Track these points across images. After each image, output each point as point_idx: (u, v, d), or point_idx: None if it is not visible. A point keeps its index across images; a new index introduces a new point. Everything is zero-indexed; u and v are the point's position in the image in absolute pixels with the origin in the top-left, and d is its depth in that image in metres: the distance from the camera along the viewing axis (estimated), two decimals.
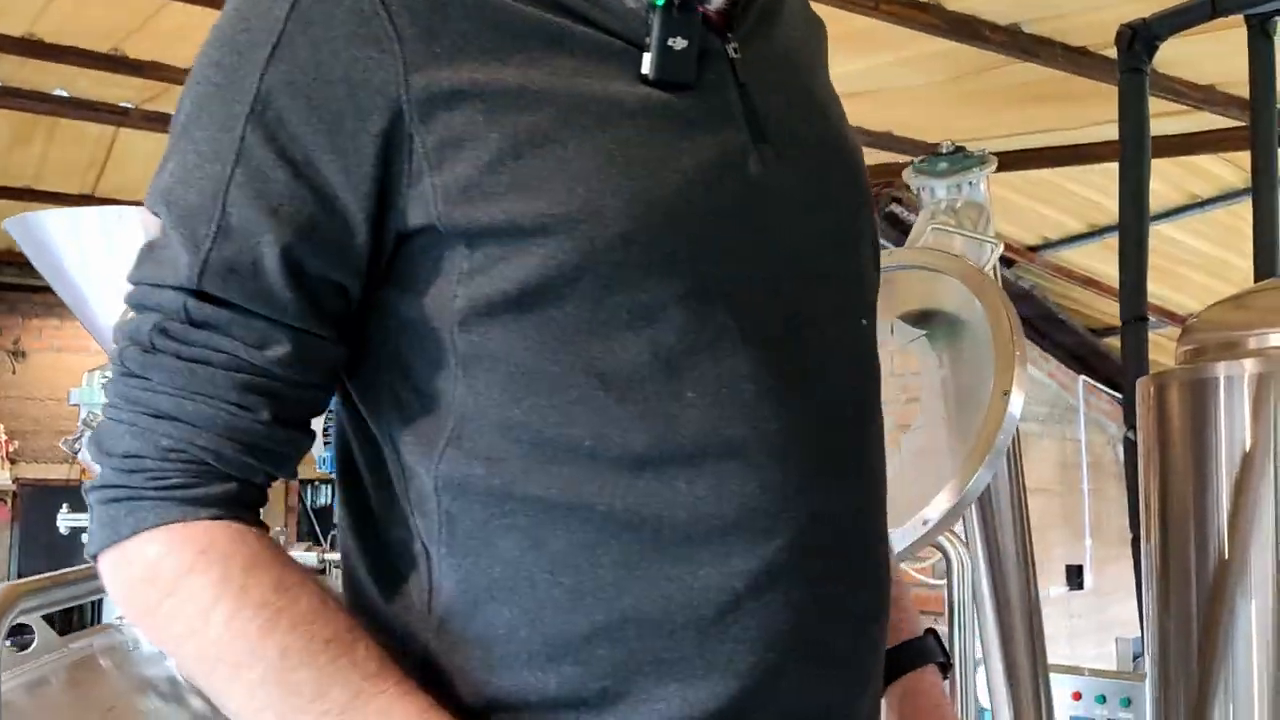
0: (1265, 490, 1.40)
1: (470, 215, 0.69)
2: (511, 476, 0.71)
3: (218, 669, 0.69)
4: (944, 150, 1.36)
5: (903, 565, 4.83)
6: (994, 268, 1.41)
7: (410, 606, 0.74)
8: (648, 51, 0.72)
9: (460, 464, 0.71)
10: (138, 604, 0.71)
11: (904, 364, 1.30)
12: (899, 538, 1.13)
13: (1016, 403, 1.14)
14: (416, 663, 0.73)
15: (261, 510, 0.75)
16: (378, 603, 0.76)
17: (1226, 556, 1.45)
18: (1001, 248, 1.34)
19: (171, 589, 0.68)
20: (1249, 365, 1.44)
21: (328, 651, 0.68)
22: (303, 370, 0.71)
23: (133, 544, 0.69)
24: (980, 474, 1.11)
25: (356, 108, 0.68)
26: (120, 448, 0.70)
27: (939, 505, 1.10)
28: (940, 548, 1.52)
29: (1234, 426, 1.46)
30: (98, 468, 0.72)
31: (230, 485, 0.70)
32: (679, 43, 0.72)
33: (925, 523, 1.07)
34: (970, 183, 1.34)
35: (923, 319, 1.27)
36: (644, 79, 0.72)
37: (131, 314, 0.72)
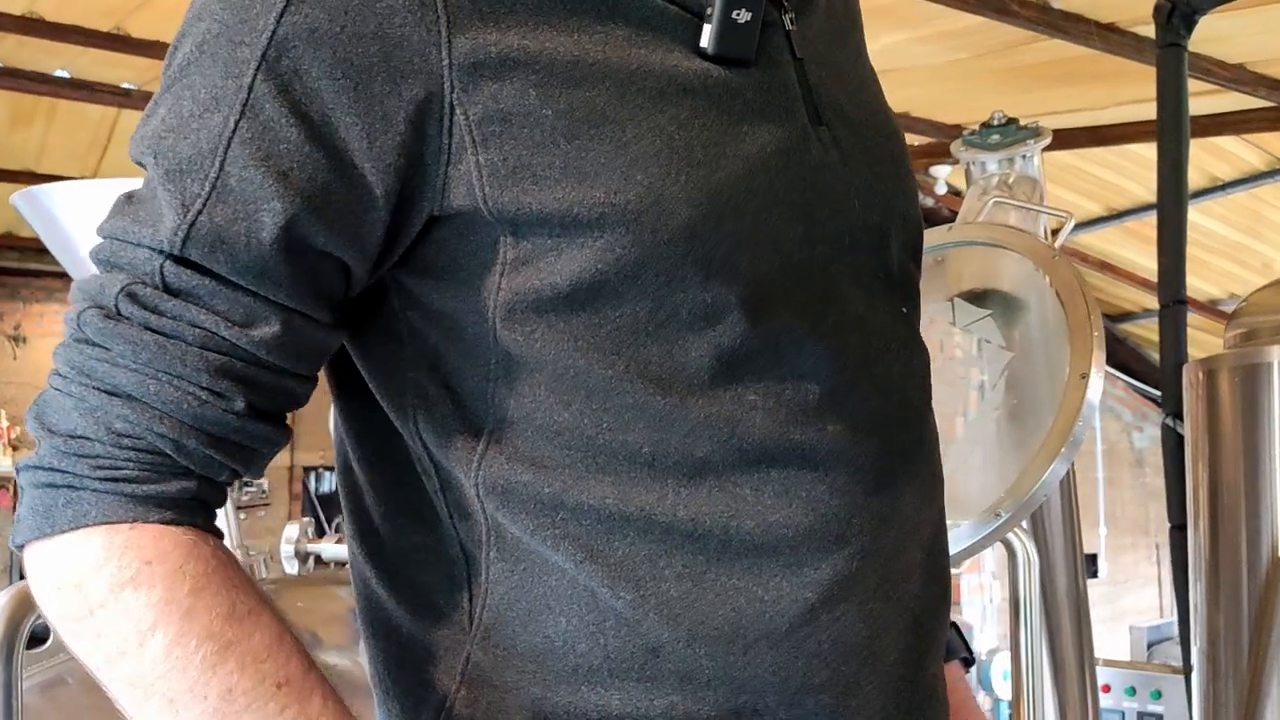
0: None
1: (519, 200, 0.62)
2: (562, 484, 0.65)
3: (150, 701, 0.59)
4: (995, 122, 1.30)
5: None
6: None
7: (446, 616, 0.68)
8: (708, 23, 0.65)
9: (503, 469, 0.65)
10: (62, 609, 0.61)
11: (957, 347, 1.24)
12: (967, 533, 1.07)
13: (1096, 387, 1.08)
14: (457, 677, 0.67)
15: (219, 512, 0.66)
16: (398, 612, 0.70)
17: (1279, 550, 1.40)
18: (1073, 221, 1.27)
19: (104, 600, 0.59)
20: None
21: (278, 699, 0.60)
22: (289, 356, 0.63)
23: (68, 540, 0.60)
24: (1056, 465, 1.05)
25: (390, 68, 0.60)
26: (65, 425, 0.60)
27: (1016, 498, 1.03)
28: (1006, 542, 1.46)
29: None
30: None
31: (189, 483, 0.61)
32: (743, 15, 0.65)
33: (998, 516, 1.01)
34: (1024, 156, 1.28)
35: (978, 299, 1.20)
36: (701, 53, 0.65)
37: (97, 272, 0.63)
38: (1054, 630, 1.55)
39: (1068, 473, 1.55)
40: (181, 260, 0.60)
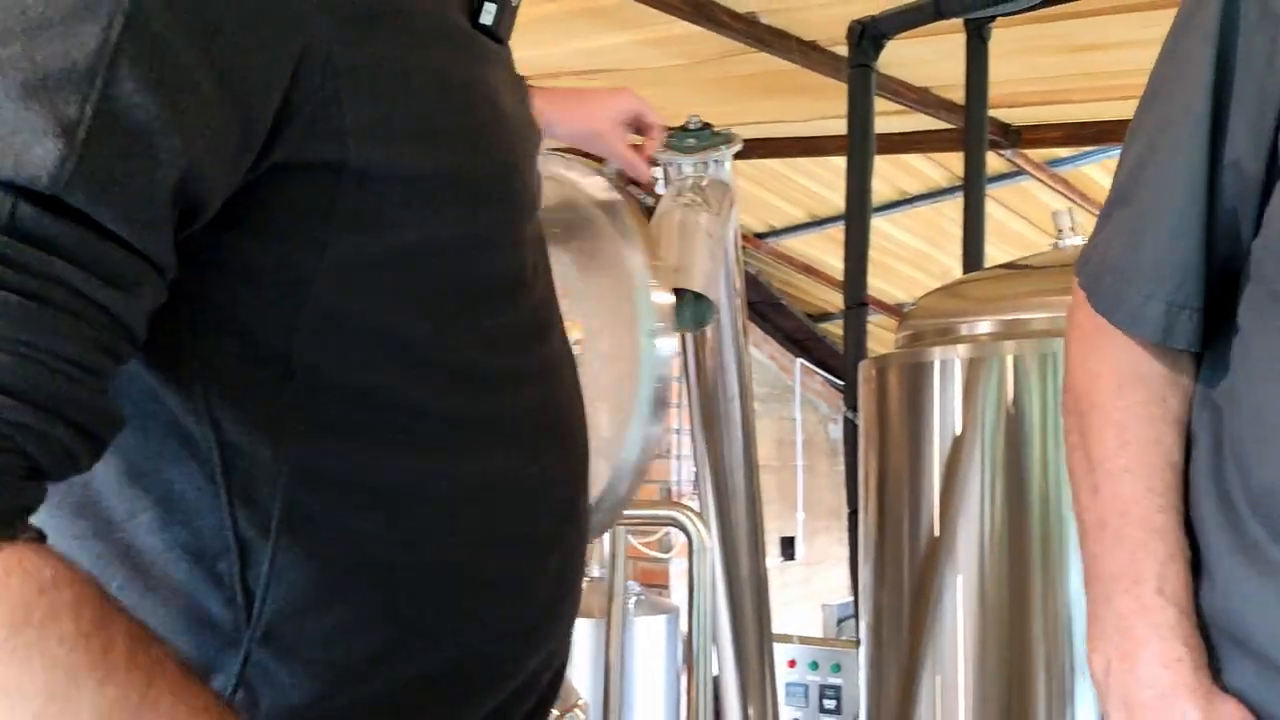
0: (973, 470, 1.50)
1: (376, 155, 0.58)
2: (371, 452, 0.62)
3: None
4: (691, 126, 1.35)
5: (631, 540, 4.86)
6: (736, 241, 1.43)
7: (211, 615, 0.61)
8: (491, 0, 0.68)
9: (308, 439, 0.61)
10: None
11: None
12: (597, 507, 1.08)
13: (666, 345, 1.09)
14: (233, 679, 0.61)
15: None
16: (153, 617, 0.60)
17: (937, 533, 1.54)
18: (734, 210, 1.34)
19: None
20: (961, 351, 1.54)
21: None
22: (146, 329, 0.53)
23: None
24: (635, 429, 1.06)
25: (278, 6, 0.54)
26: None
27: (597, 481, 1.04)
28: (681, 525, 1.52)
29: (947, 408, 1.54)
30: None
31: (43, 488, 0.49)
32: None
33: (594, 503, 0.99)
34: (717, 161, 1.34)
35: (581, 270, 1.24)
36: (480, 28, 0.68)
37: None
38: (736, 611, 1.64)
39: (751, 457, 1.64)
40: (48, 201, 0.48)
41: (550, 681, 0.74)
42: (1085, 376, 0.81)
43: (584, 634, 3.45)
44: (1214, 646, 0.73)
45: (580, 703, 1.62)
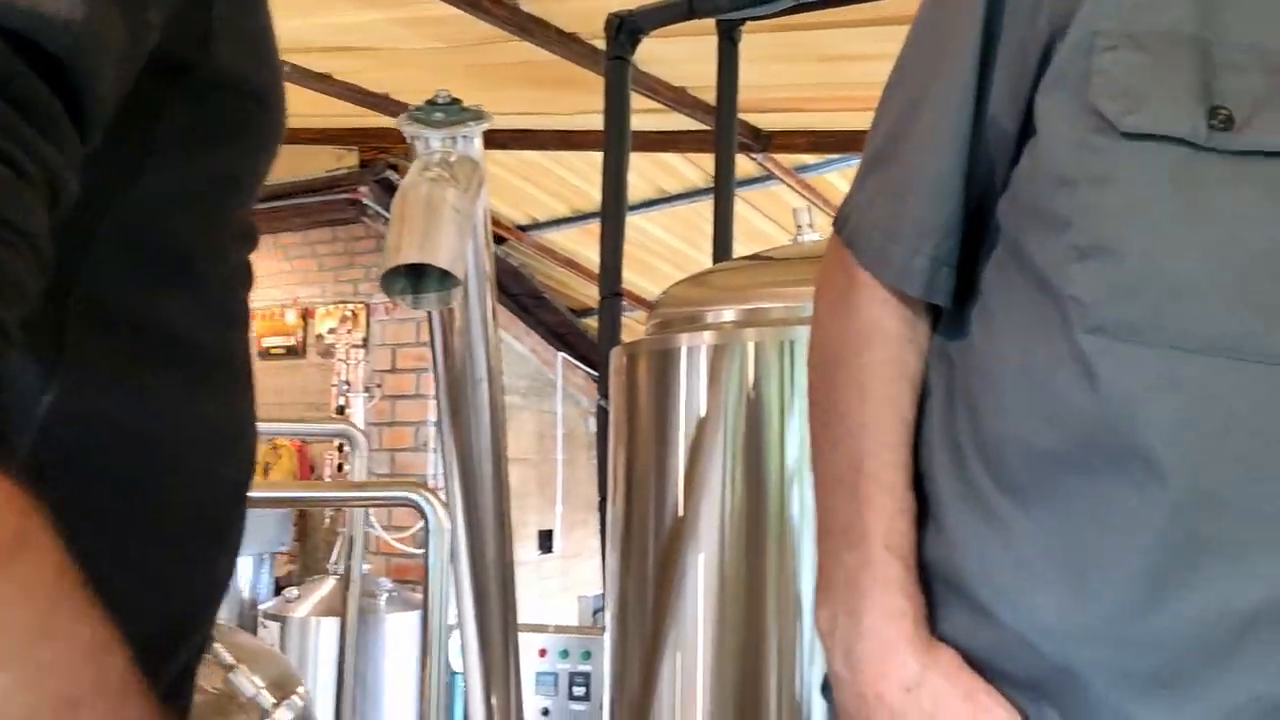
0: (716, 452, 1.54)
1: (231, 69, 0.55)
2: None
3: None
4: (440, 100, 1.32)
5: (384, 535, 4.72)
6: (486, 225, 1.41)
7: None
8: None
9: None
10: None
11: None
12: None
13: None
14: None
15: None
16: None
17: (681, 514, 1.57)
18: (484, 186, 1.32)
19: None
20: (707, 337, 1.58)
21: None
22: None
23: None
24: None
25: None
26: None
27: None
28: (416, 505, 1.48)
29: (692, 393, 1.58)
30: None
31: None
32: None
33: None
34: (465, 137, 1.31)
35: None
36: None
37: None
38: (481, 601, 1.62)
39: (500, 449, 1.62)
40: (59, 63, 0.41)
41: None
42: (831, 334, 0.82)
43: (329, 631, 3.34)
44: (933, 595, 0.75)
45: (300, 690, 1.55)
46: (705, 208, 4.65)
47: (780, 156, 4.07)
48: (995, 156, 0.75)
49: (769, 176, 4.24)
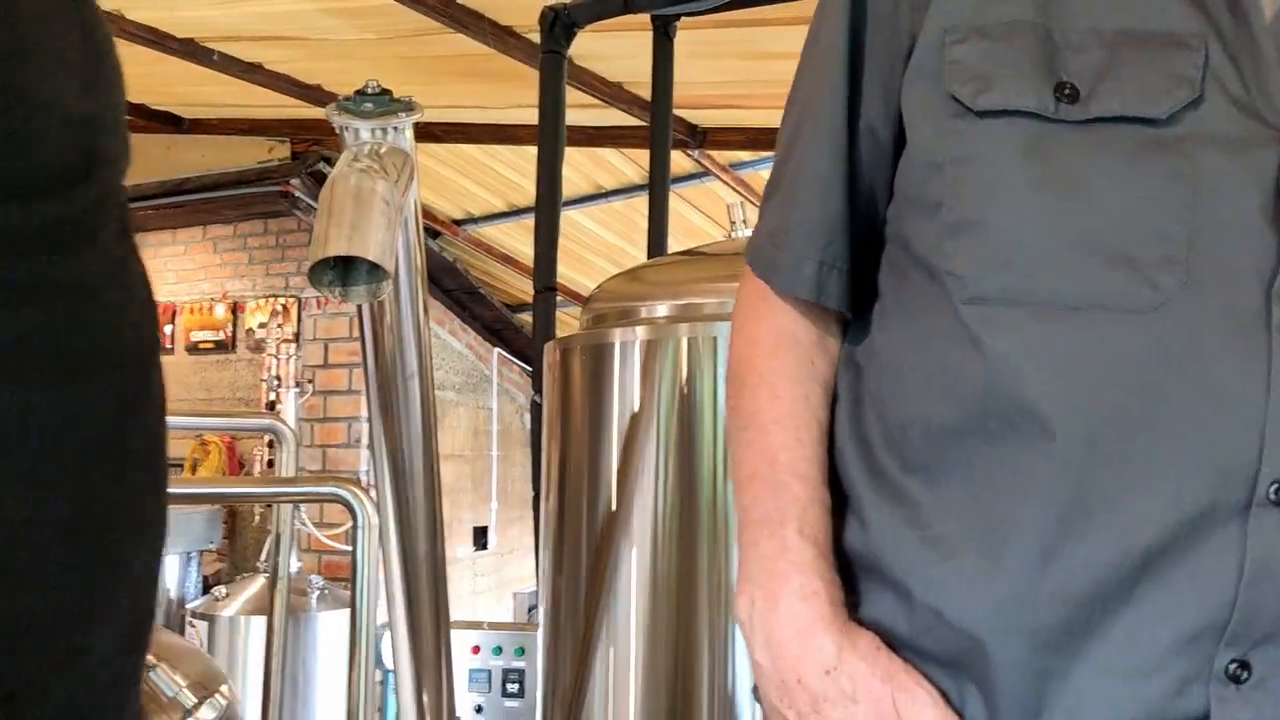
0: (649, 447, 1.54)
1: None
2: None
3: None
4: (370, 90, 1.30)
5: (314, 532, 4.66)
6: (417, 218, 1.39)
7: None
8: None
9: None
10: None
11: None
12: None
13: None
14: None
15: None
16: None
17: (614, 509, 1.57)
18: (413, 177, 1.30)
19: None
20: (641, 332, 1.58)
21: None
22: None
23: None
24: None
25: None
26: None
27: None
28: (347, 504, 1.47)
29: (626, 388, 1.58)
30: None
31: None
32: None
33: None
34: (396, 128, 1.29)
35: None
36: None
37: None
38: (412, 598, 1.60)
39: (431, 445, 1.61)
40: None
41: None
42: (744, 342, 0.85)
43: (258, 630, 3.28)
44: (858, 584, 0.77)
45: (223, 689, 1.53)
46: (641, 203, 4.66)
47: (716, 153, 4.09)
48: (877, 164, 0.79)
49: (705, 173, 4.25)
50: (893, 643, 0.73)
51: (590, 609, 1.61)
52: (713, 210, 4.64)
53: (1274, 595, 0.62)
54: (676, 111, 2.98)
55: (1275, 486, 0.62)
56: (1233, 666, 0.63)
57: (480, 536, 5.70)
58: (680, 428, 1.51)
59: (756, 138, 3.82)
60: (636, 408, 1.55)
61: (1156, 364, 0.64)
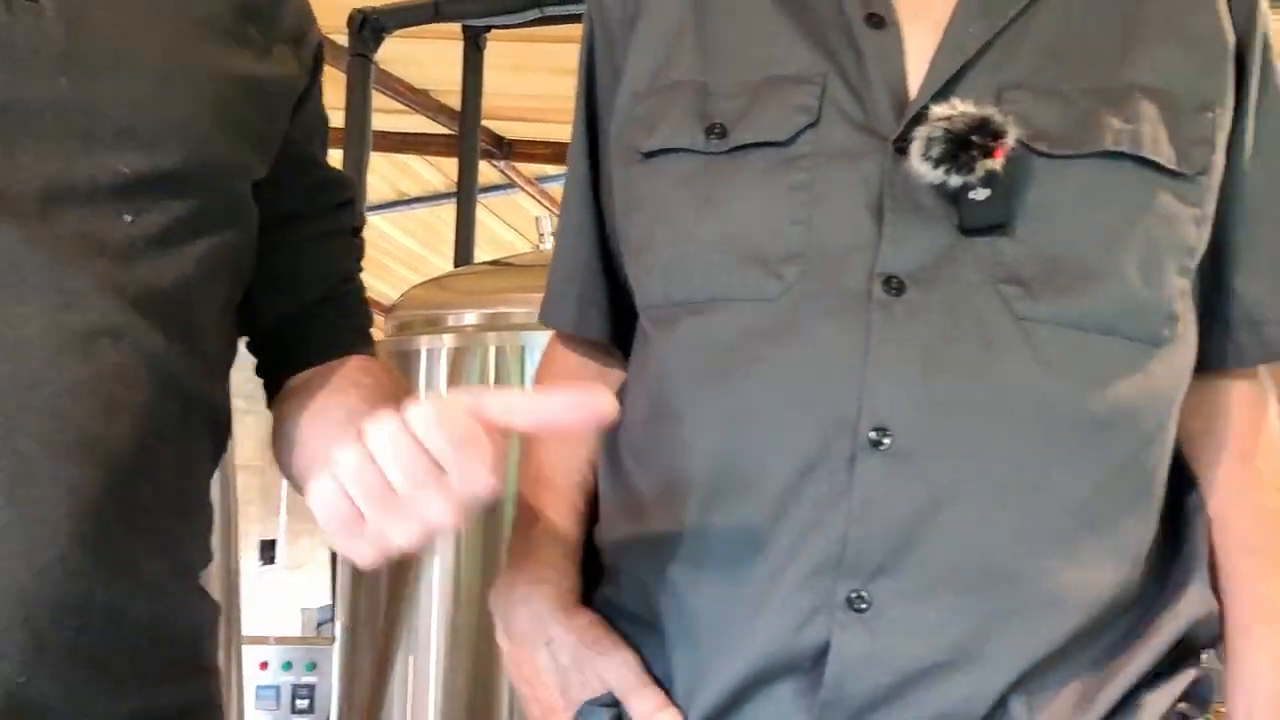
0: None
1: None
2: None
3: None
4: None
5: None
6: None
7: None
8: None
9: None
10: None
11: None
12: None
13: None
14: None
15: None
16: None
17: None
18: None
19: None
20: (448, 340, 1.58)
21: None
22: None
23: None
24: None
25: None
26: None
27: None
28: None
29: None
30: None
31: None
32: None
33: None
34: None
35: None
36: None
37: None
38: None
39: (228, 460, 1.56)
40: None
41: None
42: (538, 369, 0.97)
43: None
44: (609, 574, 0.86)
45: None
46: (445, 212, 4.62)
47: (522, 165, 4.11)
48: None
49: (510, 185, 4.26)
50: (620, 612, 0.83)
51: (391, 618, 1.59)
52: (518, 222, 4.65)
53: (881, 530, 0.71)
54: (484, 122, 2.98)
55: (874, 433, 0.71)
56: (852, 596, 0.71)
57: (268, 550, 5.48)
58: None
59: (562, 152, 3.83)
60: None
61: (778, 340, 0.74)
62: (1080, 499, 0.72)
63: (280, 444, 0.89)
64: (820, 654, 0.72)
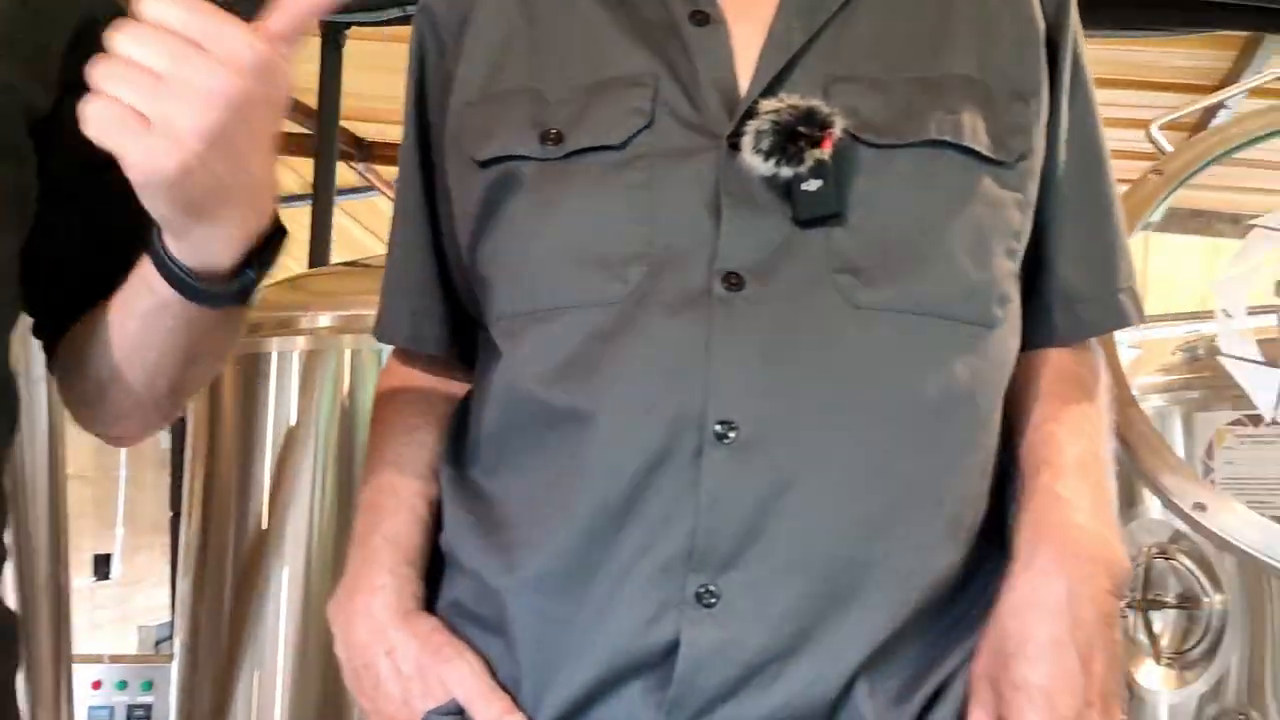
0: (306, 462, 1.49)
1: None
2: None
3: None
4: None
5: None
6: None
7: None
8: None
9: None
10: None
11: None
12: None
13: None
14: None
15: None
16: None
17: (265, 526, 1.51)
18: None
19: None
20: (301, 343, 1.53)
21: None
22: None
23: None
24: None
25: None
26: None
27: None
28: None
29: (283, 401, 1.52)
30: None
31: None
32: None
33: None
34: None
35: None
36: None
37: None
38: (30, 634, 1.46)
39: (58, 468, 1.48)
40: None
41: None
42: (379, 385, 0.96)
43: None
44: (455, 578, 0.85)
45: None
46: (298, 214, 4.48)
47: (381, 168, 4.03)
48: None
49: (369, 188, 4.18)
50: (466, 617, 0.81)
51: (234, 634, 1.52)
52: (376, 226, 4.56)
53: (729, 524, 0.71)
54: (343, 122, 2.91)
55: (719, 427, 0.72)
56: (701, 591, 0.71)
57: (102, 565, 5.21)
58: (341, 443, 1.48)
59: None
60: (294, 421, 1.50)
61: (623, 342, 0.74)
62: (921, 481, 0.74)
63: (82, 369, 0.80)
64: (670, 651, 0.72)
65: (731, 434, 0.71)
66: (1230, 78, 2.75)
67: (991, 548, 0.80)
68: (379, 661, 0.80)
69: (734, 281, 0.73)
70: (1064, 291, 0.85)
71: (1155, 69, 2.91)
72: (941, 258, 0.75)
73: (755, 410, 0.72)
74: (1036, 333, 0.85)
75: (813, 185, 0.73)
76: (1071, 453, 0.81)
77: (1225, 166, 1.50)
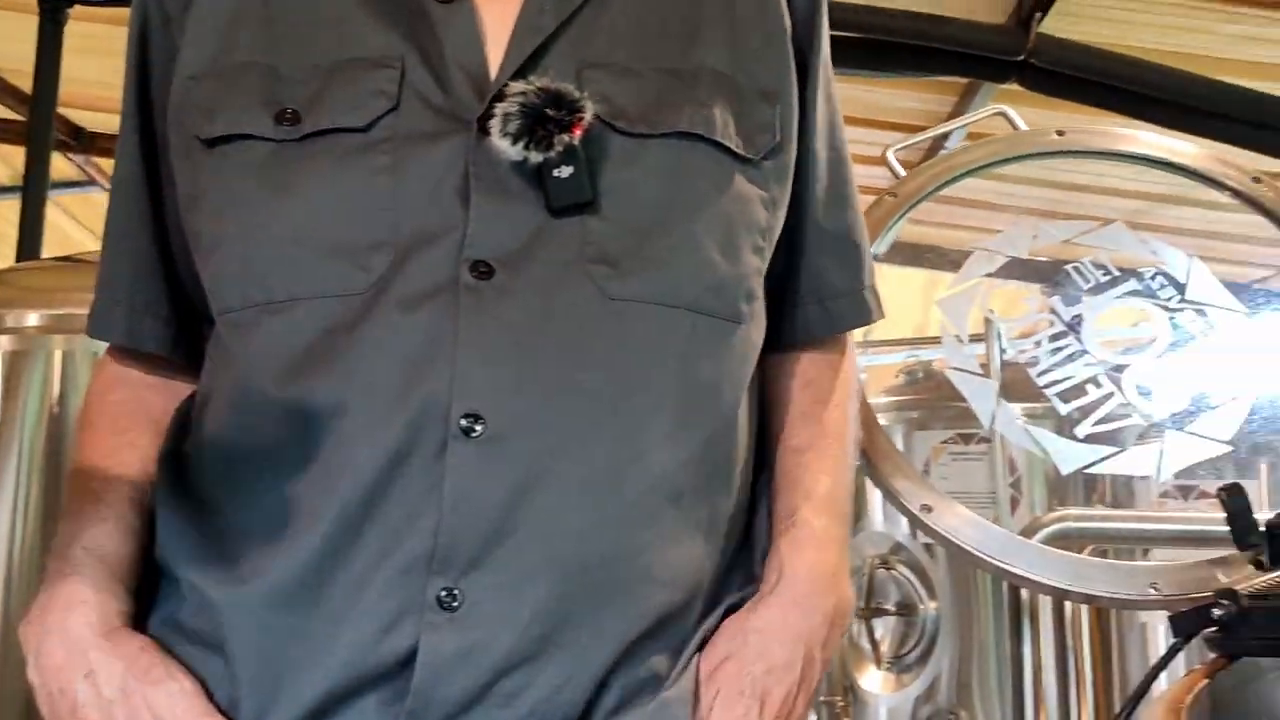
0: (9, 470, 1.37)
1: None
2: None
3: None
4: None
5: None
6: None
7: None
8: None
9: None
10: None
11: None
12: None
13: None
14: None
15: None
16: None
17: None
18: None
19: None
20: (5, 342, 1.40)
21: None
22: None
23: None
24: None
25: None
26: None
27: None
28: None
29: None
30: None
31: None
32: None
33: None
34: None
35: None
36: None
37: None
38: None
39: None
40: None
41: None
42: (90, 385, 0.88)
43: None
44: (170, 593, 0.78)
45: None
46: (8, 209, 4.11)
47: (103, 160, 3.75)
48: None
49: (89, 181, 3.88)
50: (182, 634, 0.75)
51: None
52: (96, 223, 4.23)
53: (474, 522, 0.69)
54: (61, 110, 2.69)
55: (465, 420, 0.69)
56: (443, 594, 0.68)
57: None
58: (49, 451, 1.36)
59: None
60: None
61: (364, 334, 0.71)
62: (669, 476, 0.74)
63: None
64: (408, 660, 0.69)
65: (478, 428, 0.69)
66: (952, 118, 3.01)
67: (743, 551, 0.81)
68: (76, 685, 0.73)
69: (483, 270, 0.71)
70: (816, 287, 0.88)
71: (887, 110, 3.14)
72: (692, 249, 0.76)
73: (503, 404, 0.70)
74: (788, 329, 0.87)
75: (564, 172, 0.72)
76: (825, 484, 0.83)
77: (943, 204, 1.62)
